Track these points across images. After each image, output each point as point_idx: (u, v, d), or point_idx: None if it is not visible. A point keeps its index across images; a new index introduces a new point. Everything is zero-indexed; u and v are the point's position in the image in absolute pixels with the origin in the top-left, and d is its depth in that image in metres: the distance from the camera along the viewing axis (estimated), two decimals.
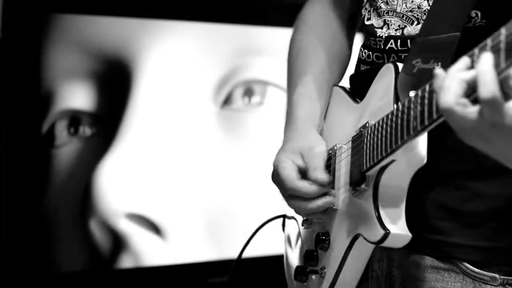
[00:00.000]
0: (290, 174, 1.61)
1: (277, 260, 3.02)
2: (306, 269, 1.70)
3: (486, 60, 1.14)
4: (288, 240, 1.86)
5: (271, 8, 3.34)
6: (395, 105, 1.45)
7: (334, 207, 1.63)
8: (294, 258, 1.79)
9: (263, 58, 3.42)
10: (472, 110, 1.18)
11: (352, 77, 1.76)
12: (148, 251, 3.21)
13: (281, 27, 3.26)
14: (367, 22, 1.66)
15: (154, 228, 3.22)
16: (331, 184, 1.62)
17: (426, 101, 1.30)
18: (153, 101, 3.23)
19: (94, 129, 3.14)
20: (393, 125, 1.42)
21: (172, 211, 3.25)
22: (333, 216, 1.64)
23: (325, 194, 1.61)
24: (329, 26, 1.80)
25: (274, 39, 3.36)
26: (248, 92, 3.42)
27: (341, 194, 1.62)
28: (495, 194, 1.51)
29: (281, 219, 1.91)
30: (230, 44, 3.38)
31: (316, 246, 1.68)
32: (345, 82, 1.81)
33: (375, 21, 1.63)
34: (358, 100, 1.65)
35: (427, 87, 1.30)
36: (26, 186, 3.02)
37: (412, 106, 1.35)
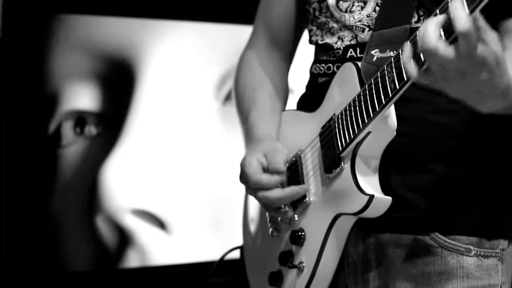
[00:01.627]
0: (253, 169, 1.73)
1: None
2: (281, 271, 1.77)
3: (457, 3, 1.28)
4: (252, 263, 1.95)
5: None
6: (365, 85, 1.57)
7: (306, 202, 1.72)
8: (264, 270, 1.84)
9: None
10: (450, 47, 1.29)
11: (303, 96, 1.88)
12: (153, 246, 3.28)
13: None
14: (320, 43, 1.78)
15: (159, 223, 3.29)
16: (300, 183, 1.74)
17: (402, 62, 1.43)
18: (156, 99, 3.30)
19: (99, 129, 3.21)
20: (367, 98, 1.54)
21: (176, 206, 3.32)
22: (306, 210, 1.73)
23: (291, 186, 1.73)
24: (270, 62, 1.94)
25: None
26: None
27: (313, 188, 1.72)
28: (456, 174, 1.63)
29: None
30: (231, 42, 3.43)
31: (292, 243, 1.74)
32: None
33: (329, 39, 1.76)
34: (314, 109, 1.76)
35: (400, 52, 1.44)
36: (34, 185, 3.09)
37: (386, 74, 1.49)
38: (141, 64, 3.28)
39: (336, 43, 1.74)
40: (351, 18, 1.71)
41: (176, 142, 3.35)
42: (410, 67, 1.36)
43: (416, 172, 1.64)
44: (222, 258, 2.09)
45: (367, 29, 1.70)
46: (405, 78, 1.43)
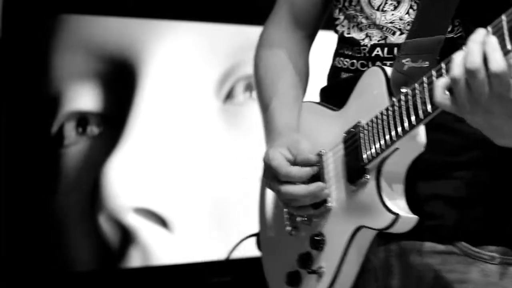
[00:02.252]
0: (281, 162, 1.67)
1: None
2: (299, 272, 1.73)
3: (493, 41, 1.28)
4: (268, 255, 1.91)
5: (270, 8, 3.40)
6: (393, 98, 1.52)
7: (328, 207, 1.67)
8: (281, 268, 1.81)
9: None
10: (486, 80, 1.29)
11: (326, 88, 1.83)
12: (156, 244, 3.31)
13: None
14: (347, 36, 1.72)
15: (161, 221, 3.32)
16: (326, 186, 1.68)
17: (433, 85, 1.39)
18: (157, 98, 3.33)
19: (101, 128, 3.23)
20: (396, 115, 1.49)
21: (177, 204, 3.35)
22: (327, 215, 1.68)
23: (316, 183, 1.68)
24: (293, 43, 1.87)
25: None
26: (249, 87, 3.50)
27: (335, 194, 1.67)
28: (482, 182, 1.59)
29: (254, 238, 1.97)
30: (231, 41, 3.46)
31: (311, 247, 1.70)
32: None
33: (356, 35, 1.70)
34: (336, 108, 1.71)
35: (433, 72, 1.40)
36: (37, 185, 3.11)
37: (418, 93, 1.44)
38: (142, 64, 3.30)
39: (363, 40, 1.69)
40: (383, 18, 1.66)
41: (177, 141, 3.37)
42: (441, 96, 1.35)
43: (442, 180, 1.61)
44: (237, 245, 2.04)
45: (398, 32, 1.64)
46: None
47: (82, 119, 3.19)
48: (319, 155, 1.70)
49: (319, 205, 1.69)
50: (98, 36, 3.24)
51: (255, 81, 1.90)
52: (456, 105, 1.34)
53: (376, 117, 1.55)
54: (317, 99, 1.84)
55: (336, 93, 1.73)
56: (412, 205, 1.57)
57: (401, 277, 1.65)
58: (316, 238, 1.69)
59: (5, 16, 3.03)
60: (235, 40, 3.47)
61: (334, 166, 1.67)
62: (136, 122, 3.28)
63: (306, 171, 1.67)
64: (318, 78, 1.88)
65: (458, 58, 1.32)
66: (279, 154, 1.69)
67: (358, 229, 1.61)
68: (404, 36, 1.63)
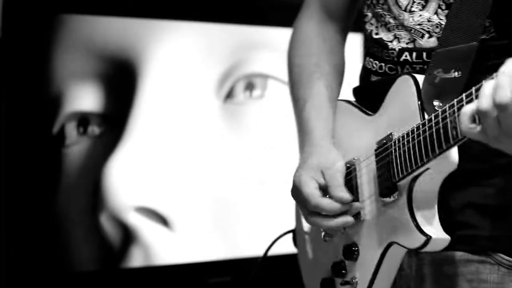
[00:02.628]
0: (313, 192, 1.64)
1: (279, 260, 3.12)
2: (334, 280, 1.73)
3: None
4: (303, 252, 1.90)
5: (270, 8, 3.42)
6: (426, 115, 1.49)
7: (361, 219, 1.66)
8: (316, 271, 1.81)
9: (263, 52, 3.50)
10: None
11: (358, 89, 1.81)
12: (157, 242, 3.32)
13: (280, 27, 3.35)
14: (375, 36, 1.69)
15: (162, 220, 3.33)
16: (354, 196, 1.66)
17: None
18: (158, 98, 3.33)
19: (102, 128, 3.24)
20: (427, 135, 1.46)
21: (179, 203, 3.36)
22: (360, 227, 1.67)
23: (345, 213, 1.64)
24: (326, 39, 1.84)
25: (273, 36, 3.45)
26: (249, 86, 3.51)
27: (368, 206, 1.65)
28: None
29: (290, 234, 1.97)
30: (231, 41, 3.47)
31: (344, 257, 1.70)
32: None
33: (384, 35, 1.67)
34: (370, 113, 1.68)
35: (463, 97, 1.36)
36: (38, 185, 3.12)
37: (448, 116, 1.40)
38: (143, 63, 3.31)
39: (392, 42, 1.66)
40: (410, 19, 1.62)
41: (178, 140, 3.38)
42: (466, 125, 1.32)
43: (474, 188, 1.59)
44: (273, 243, 2.02)
45: (426, 35, 1.61)
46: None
47: (83, 119, 3.20)
48: (352, 164, 1.68)
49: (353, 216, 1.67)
50: (98, 36, 3.24)
51: (289, 79, 1.86)
52: (485, 135, 1.32)
53: (408, 134, 1.52)
54: (351, 98, 1.81)
55: (368, 96, 1.72)
56: (445, 215, 1.55)
57: (433, 285, 1.63)
58: (350, 249, 1.68)
59: (5, 16, 3.03)
60: (235, 40, 3.48)
61: (367, 177, 1.65)
62: (137, 122, 3.29)
63: (338, 207, 1.63)
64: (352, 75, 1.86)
65: (487, 89, 1.29)
66: (312, 181, 1.65)
67: (390, 244, 1.59)
68: (433, 39, 1.60)
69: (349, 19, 1.86)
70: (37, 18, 3.11)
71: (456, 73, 1.50)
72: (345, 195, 1.63)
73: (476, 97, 1.32)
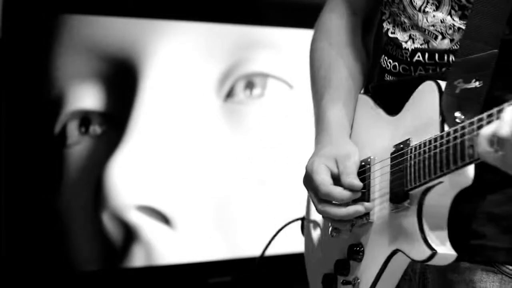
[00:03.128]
0: (324, 178, 1.61)
1: (278, 260, 3.13)
2: (336, 278, 1.71)
3: None
4: (309, 243, 1.88)
5: (270, 8, 3.43)
6: (445, 128, 1.47)
7: (369, 220, 1.64)
8: (320, 265, 1.80)
9: (263, 51, 3.53)
10: None
11: (375, 87, 1.77)
12: (158, 239, 3.34)
13: (279, 27, 3.37)
14: (391, 35, 1.68)
15: (163, 218, 3.35)
16: (365, 196, 1.64)
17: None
18: (159, 98, 3.36)
19: (104, 128, 3.26)
20: (443, 149, 1.43)
21: (180, 202, 3.38)
22: (367, 229, 1.65)
23: (356, 203, 1.62)
24: (347, 34, 1.81)
25: (273, 35, 3.48)
26: (250, 85, 3.53)
27: (377, 208, 1.63)
28: None
29: (299, 222, 1.95)
30: (230, 41, 3.49)
31: (348, 256, 1.68)
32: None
33: (399, 35, 1.66)
34: (392, 113, 1.65)
35: (484, 116, 1.34)
36: (40, 185, 3.14)
37: (466, 133, 1.38)
38: (144, 63, 3.33)
39: (406, 42, 1.64)
40: (424, 20, 1.60)
41: (179, 139, 3.40)
42: (484, 148, 1.30)
43: (488, 198, 1.56)
44: (277, 233, 2.02)
45: (440, 36, 1.59)
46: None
47: (84, 118, 3.22)
48: (367, 163, 1.66)
49: (361, 217, 1.65)
50: (99, 36, 3.26)
51: (310, 74, 1.83)
52: (502, 162, 1.30)
53: (425, 144, 1.49)
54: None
55: (383, 95, 1.70)
56: (454, 223, 1.52)
57: None
58: (355, 249, 1.67)
59: (5, 16, 3.04)
60: (234, 39, 3.50)
61: (380, 180, 1.63)
62: (138, 121, 3.31)
63: (348, 195, 1.60)
64: None
65: (508, 116, 1.26)
66: (324, 168, 1.63)
67: (395, 251, 1.57)
68: (446, 41, 1.58)
69: (373, 8, 1.82)
70: (37, 18, 3.13)
71: (477, 83, 1.47)
72: (357, 182, 1.60)
73: (498, 118, 1.29)
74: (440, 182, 1.48)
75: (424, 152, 1.48)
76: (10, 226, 3.08)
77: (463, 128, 1.38)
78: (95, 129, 3.25)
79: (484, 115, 1.33)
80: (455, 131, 1.40)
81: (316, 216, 1.84)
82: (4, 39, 3.04)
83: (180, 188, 3.39)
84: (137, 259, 3.32)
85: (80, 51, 3.21)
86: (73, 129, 3.20)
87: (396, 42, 1.66)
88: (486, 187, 1.54)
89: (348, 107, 1.73)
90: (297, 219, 1.97)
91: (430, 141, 1.47)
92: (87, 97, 3.22)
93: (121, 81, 3.31)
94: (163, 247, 3.36)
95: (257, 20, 3.48)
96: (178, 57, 3.40)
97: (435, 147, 1.45)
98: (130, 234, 3.30)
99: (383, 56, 1.73)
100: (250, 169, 3.50)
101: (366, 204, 1.62)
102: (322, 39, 1.82)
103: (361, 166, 1.65)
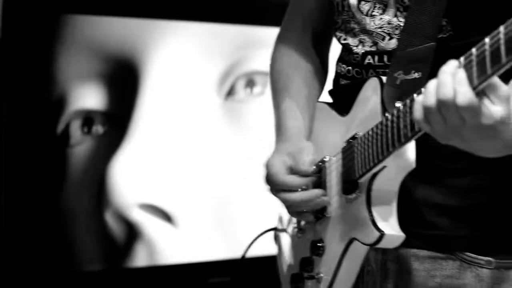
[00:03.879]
0: (278, 170, 1.71)
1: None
2: (302, 275, 1.77)
3: (462, 75, 1.28)
4: (281, 251, 1.95)
5: (269, 8, 3.45)
6: (383, 116, 1.53)
7: (327, 215, 1.71)
8: (288, 267, 1.86)
9: (262, 50, 3.52)
10: (457, 113, 1.29)
11: (332, 92, 1.85)
12: (160, 237, 3.39)
13: (279, 26, 3.39)
14: (343, 42, 1.74)
15: (165, 216, 3.39)
16: (324, 193, 1.71)
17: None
18: (160, 97, 3.39)
19: (106, 127, 3.29)
20: (383, 134, 1.50)
21: (181, 199, 3.42)
22: (326, 223, 1.71)
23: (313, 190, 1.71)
24: (303, 47, 1.89)
25: (273, 34, 3.48)
26: (250, 83, 3.56)
27: (334, 203, 1.70)
28: (474, 188, 1.60)
29: (272, 232, 2.00)
30: (231, 40, 3.52)
31: (311, 252, 1.74)
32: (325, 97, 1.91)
33: (350, 41, 1.71)
34: (344, 114, 1.72)
35: (415, 95, 1.39)
36: (44, 185, 3.18)
37: (401, 115, 1.44)
38: (145, 63, 3.36)
39: (357, 46, 1.70)
40: (372, 23, 1.66)
41: (180, 138, 3.43)
42: (419, 115, 1.35)
43: (436, 188, 1.61)
44: (252, 243, 2.07)
45: (387, 37, 1.64)
46: (416, 128, 1.40)
47: (87, 118, 3.25)
48: (323, 161, 1.73)
49: (319, 212, 1.72)
50: (101, 36, 3.29)
51: (270, 84, 1.93)
52: (432, 132, 1.35)
53: (368, 133, 1.57)
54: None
55: (339, 99, 1.77)
56: (405, 212, 1.58)
57: (397, 281, 1.66)
58: (316, 244, 1.73)
59: (5, 16, 3.06)
60: (235, 39, 3.53)
61: (334, 175, 1.70)
62: (140, 120, 3.35)
63: (301, 181, 1.70)
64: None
65: (431, 86, 1.32)
66: (279, 162, 1.72)
67: (350, 241, 1.63)
68: (393, 41, 1.63)
69: (326, 26, 1.89)
70: (38, 19, 3.15)
71: (416, 74, 1.53)
72: (308, 167, 1.70)
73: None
74: (385, 167, 1.54)
75: (368, 140, 1.56)
76: (13, 226, 3.11)
77: (398, 111, 1.45)
78: (98, 128, 3.28)
79: (414, 94, 1.40)
80: (392, 115, 1.47)
81: (286, 226, 1.92)
82: (4, 39, 3.07)
83: (181, 186, 3.42)
84: (139, 257, 3.36)
85: (82, 51, 3.24)
86: (75, 129, 3.23)
87: (348, 48, 1.72)
88: (442, 180, 1.61)
89: (305, 114, 1.81)
90: (270, 230, 2.03)
91: (372, 129, 1.55)
92: (89, 97, 3.25)
93: (123, 80, 3.34)
94: (165, 244, 3.39)
95: (257, 20, 3.49)
96: (179, 57, 3.43)
97: (377, 134, 1.53)
98: (132, 232, 3.33)
99: (338, 62, 1.79)
100: (250, 168, 3.52)
101: (324, 198, 1.70)
102: (281, 53, 1.91)
103: (318, 166, 1.73)
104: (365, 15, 1.67)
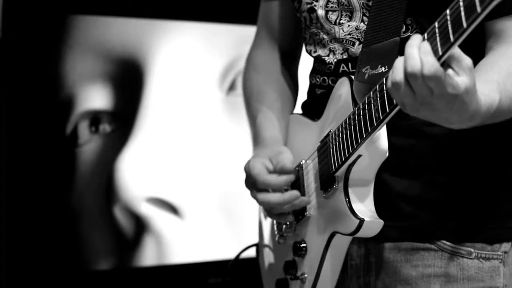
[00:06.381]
0: (260, 171, 1.73)
1: None
2: (286, 279, 1.80)
3: (426, 46, 1.32)
4: (263, 265, 1.99)
5: None
6: (354, 107, 1.56)
7: (307, 215, 1.74)
8: (273, 276, 1.88)
9: None
10: (424, 83, 1.32)
11: (306, 103, 1.90)
12: (167, 230, 3.45)
13: None
14: (314, 54, 1.78)
15: (172, 209, 3.46)
16: (301, 195, 1.74)
17: (385, 92, 1.45)
18: (164, 94, 3.44)
19: (113, 126, 3.34)
20: (356, 123, 1.54)
21: (187, 193, 3.48)
22: (307, 223, 1.75)
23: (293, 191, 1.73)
24: (272, 64, 1.95)
25: None
26: None
27: (313, 202, 1.73)
28: (454, 184, 1.64)
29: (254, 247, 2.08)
30: (231, 37, 3.57)
31: (294, 254, 1.77)
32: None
33: (321, 51, 1.76)
34: (316, 119, 1.77)
35: (384, 80, 1.44)
36: (54, 184, 3.23)
37: (372, 101, 1.48)
38: (149, 62, 3.40)
39: (328, 56, 1.73)
40: (341, 31, 1.70)
41: (184, 133, 3.49)
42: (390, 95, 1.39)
43: (412, 183, 1.65)
44: (237, 256, 2.17)
45: (357, 42, 1.68)
46: (387, 109, 1.44)
47: (94, 118, 3.30)
48: (300, 165, 1.77)
49: (299, 214, 1.75)
50: (105, 37, 3.33)
51: (244, 102, 1.97)
52: (402, 106, 1.38)
53: (341, 125, 1.61)
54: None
55: (314, 107, 1.80)
56: (383, 206, 1.62)
57: (380, 273, 1.70)
58: (298, 245, 1.75)
59: (5, 16, 3.08)
60: (235, 36, 3.58)
61: (312, 173, 1.73)
62: (146, 118, 3.40)
63: (283, 179, 1.71)
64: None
65: (398, 63, 1.35)
66: (259, 164, 1.74)
67: (332, 235, 1.66)
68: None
69: (294, 43, 1.95)
70: (41, 19, 3.18)
71: (383, 68, 1.55)
72: (289, 166, 1.71)
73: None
74: (360, 156, 1.58)
75: (342, 132, 1.60)
76: (24, 225, 3.16)
77: (368, 98, 1.50)
78: (105, 127, 3.33)
79: (383, 79, 1.45)
80: (363, 103, 1.52)
81: (267, 241, 1.96)
82: (4, 39, 3.09)
83: (187, 179, 3.48)
84: (148, 249, 3.41)
85: (87, 52, 3.28)
86: (84, 129, 3.28)
87: (320, 59, 1.76)
88: (416, 175, 1.65)
89: (279, 123, 1.86)
90: (252, 246, 2.09)
91: (345, 120, 1.59)
92: (96, 98, 3.29)
93: (128, 79, 3.38)
94: (172, 236, 3.45)
95: (256, 20, 3.54)
96: (181, 56, 3.47)
97: (349, 124, 1.57)
98: (140, 225, 3.39)
99: (312, 74, 1.83)
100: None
101: (303, 198, 1.72)
102: (251, 71, 1.98)
103: (295, 172, 1.75)
104: (333, 24, 1.71)
